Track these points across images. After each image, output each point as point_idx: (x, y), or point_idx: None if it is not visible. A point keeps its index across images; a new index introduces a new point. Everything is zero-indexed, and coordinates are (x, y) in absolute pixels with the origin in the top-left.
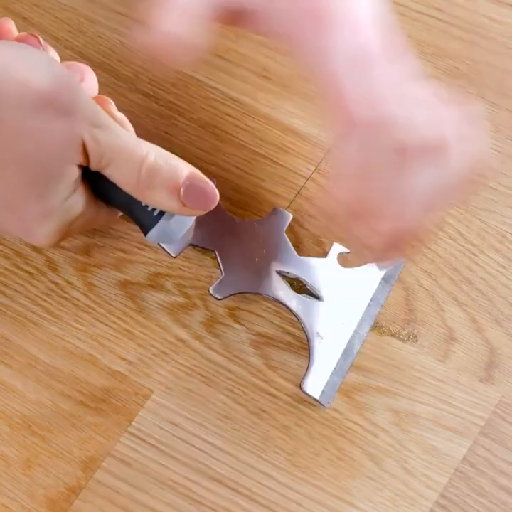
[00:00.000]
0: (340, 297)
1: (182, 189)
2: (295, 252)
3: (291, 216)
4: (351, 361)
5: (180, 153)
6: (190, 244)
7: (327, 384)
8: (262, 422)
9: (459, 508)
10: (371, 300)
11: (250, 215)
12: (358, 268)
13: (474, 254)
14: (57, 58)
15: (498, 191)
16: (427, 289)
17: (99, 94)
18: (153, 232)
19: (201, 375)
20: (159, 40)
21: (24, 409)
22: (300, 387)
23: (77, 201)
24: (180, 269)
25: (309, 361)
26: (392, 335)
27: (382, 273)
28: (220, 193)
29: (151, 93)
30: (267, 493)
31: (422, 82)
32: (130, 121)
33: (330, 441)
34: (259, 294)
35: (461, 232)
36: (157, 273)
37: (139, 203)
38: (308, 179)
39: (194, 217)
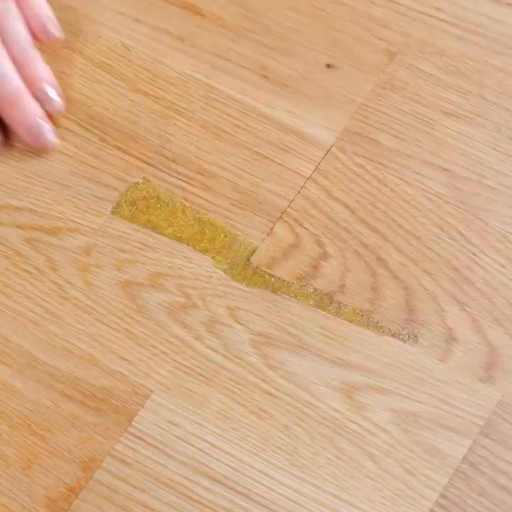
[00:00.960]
0: None
1: None
2: None
3: None
4: None
5: (181, 153)
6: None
7: None
8: (262, 422)
9: (459, 508)
10: None
11: (250, 214)
12: None
13: (475, 254)
14: None
15: (498, 191)
16: (427, 289)
17: (98, 93)
18: None
19: (201, 375)
20: None
21: (24, 409)
22: None
23: None
24: (180, 269)
25: None
26: (392, 335)
27: None
28: (220, 193)
29: (151, 93)
30: (266, 493)
31: None
32: (130, 121)
33: (329, 440)
34: None
35: (462, 232)
36: (157, 273)
37: None
38: (308, 179)
39: None
